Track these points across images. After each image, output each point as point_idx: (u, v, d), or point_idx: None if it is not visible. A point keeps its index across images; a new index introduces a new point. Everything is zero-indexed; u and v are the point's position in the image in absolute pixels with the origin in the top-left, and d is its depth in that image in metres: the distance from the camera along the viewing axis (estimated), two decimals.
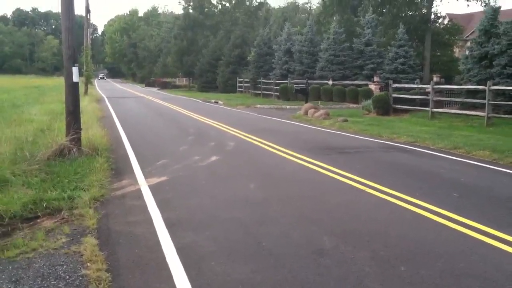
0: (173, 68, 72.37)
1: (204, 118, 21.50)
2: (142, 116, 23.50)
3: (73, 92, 10.34)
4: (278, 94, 37.13)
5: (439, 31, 40.43)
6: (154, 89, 68.00)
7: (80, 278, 4.72)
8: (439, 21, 41.80)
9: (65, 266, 5.00)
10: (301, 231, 6.06)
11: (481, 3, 35.73)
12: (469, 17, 52.51)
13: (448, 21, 43.22)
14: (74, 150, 9.87)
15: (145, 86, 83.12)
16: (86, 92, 38.62)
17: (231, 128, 17.35)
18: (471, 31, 49.39)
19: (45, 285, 4.58)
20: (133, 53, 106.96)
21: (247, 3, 69.28)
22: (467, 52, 27.46)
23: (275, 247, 5.52)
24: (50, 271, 4.89)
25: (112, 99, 38.58)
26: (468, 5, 75.72)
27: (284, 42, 40.28)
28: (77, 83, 10.39)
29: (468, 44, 48.55)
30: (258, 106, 31.58)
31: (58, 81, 71.51)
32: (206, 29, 66.86)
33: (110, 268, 4.96)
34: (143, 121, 21.02)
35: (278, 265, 4.99)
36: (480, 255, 5.26)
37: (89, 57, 40.61)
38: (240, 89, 48.75)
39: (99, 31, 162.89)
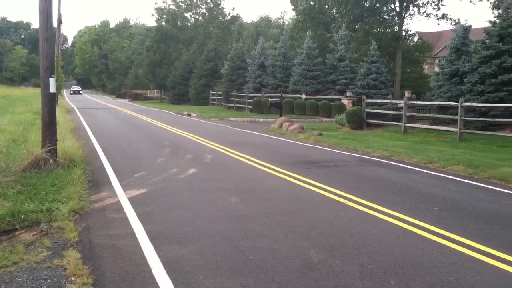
0: (145, 80, 71.95)
1: (179, 130, 21.35)
2: (116, 128, 23.20)
3: (49, 103, 10.16)
4: (251, 107, 37.19)
5: (410, 48, 41.23)
6: (125, 101, 67.47)
7: None
8: (409, 38, 42.66)
9: (49, 281, 4.86)
10: (288, 245, 6.02)
11: (451, 22, 36.64)
12: (438, 35, 53.77)
13: (418, 39, 44.12)
14: (51, 161, 9.65)
15: (116, 97, 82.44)
16: (56, 102, 37.95)
17: (206, 141, 17.26)
18: (440, 48, 50.59)
19: None
20: (104, 65, 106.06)
21: (220, 18, 69.50)
22: (437, 69, 28.06)
23: (262, 261, 5.46)
24: (34, 285, 4.76)
25: (83, 110, 38.07)
26: (438, 24, 77.45)
27: (257, 56, 40.43)
28: (54, 94, 10.22)
29: (437, 61, 49.80)
30: (232, 119, 31.57)
31: (27, 92, 70.36)
32: (179, 42, 66.75)
33: (96, 282, 4.83)
34: (117, 132, 20.75)
35: (268, 280, 4.94)
36: (468, 269, 5.30)
37: (60, 68, 39.94)
38: (213, 102, 48.69)
39: (69, 42, 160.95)
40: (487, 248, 5.96)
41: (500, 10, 21.55)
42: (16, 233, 6.44)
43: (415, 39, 44.58)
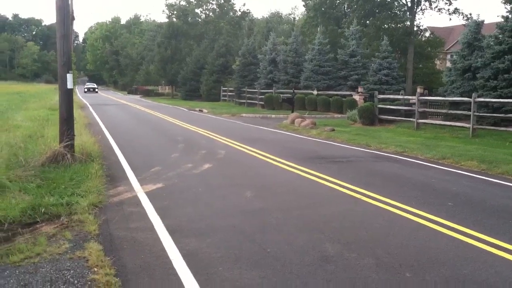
0: (156, 76, 72.21)
1: (191, 126, 21.50)
2: (129, 124, 23.40)
3: (67, 99, 10.32)
4: (263, 103, 37.27)
5: (421, 44, 41.05)
6: (137, 97, 67.75)
7: (89, 283, 4.73)
8: (421, 34, 42.47)
9: (72, 271, 5.00)
10: (303, 239, 6.12)
11: (463, 17, 36.42)
12: (449, 30, 53.48)
13: (430, 34, 43.91)
14: (68, 156, 9.82)
15: (127, 93, 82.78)
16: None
17: (219, 137, 17.38)
18: (452, 44, 50.33)
19: None
20: (115, 61, 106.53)
21: (231, 13, 69.58)
22: (449, 65, 27.95)
23: (280, 253, 5.57)
24: (57, 275, 4.89)
25: (96, 106, 38.33)
26: (450, 19, 77.00)
27: (269, 52, 40.50)
28: (71, 90, 10.38)
29: (449, 56, 49.56)
30: (244, 115, 31.66)
31: (39, 88, 71.08)
32: (190, 38, 66.95)
33: (118, 273, 4.96)
34: (131, 128, 20.95)
35: (286, 271, 5.05)
36: (482, 262, 5.37)
37: (73, 64, 40.31)
38: (224, 98, 48.83)
39: (80, 38, 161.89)
40: (502, 242, 6.02)
41: None
42: (37, 226, 6.59)
43: (427, 34, 44.39)
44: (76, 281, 4.76)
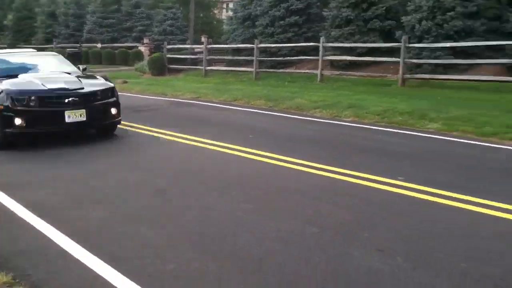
0: None
1: None
2: None
3: None
4: None
5: None
6: None
7: None
8: None
9: None
10: (137, 177, 6.77)
11: None
12: None
13: None
14: None
15: None
16: None
17: None
18: None
19: None
20: None
21: None
22: (230, 14, 29.79)
23: (114, 193, 6.15)
24: None
25: None
26: None
27: (47, 5, 38.23)
28: None
29: (225, 5, 51.95)
30: None
31: None
32: None
33: None
34: None
35: (125, 208, 5.68)
36: (294, 176, 6.65)
37: None
38: None
39: None
40: (290, 158, 7.37)
41: None
42: None
43: None
44: None
